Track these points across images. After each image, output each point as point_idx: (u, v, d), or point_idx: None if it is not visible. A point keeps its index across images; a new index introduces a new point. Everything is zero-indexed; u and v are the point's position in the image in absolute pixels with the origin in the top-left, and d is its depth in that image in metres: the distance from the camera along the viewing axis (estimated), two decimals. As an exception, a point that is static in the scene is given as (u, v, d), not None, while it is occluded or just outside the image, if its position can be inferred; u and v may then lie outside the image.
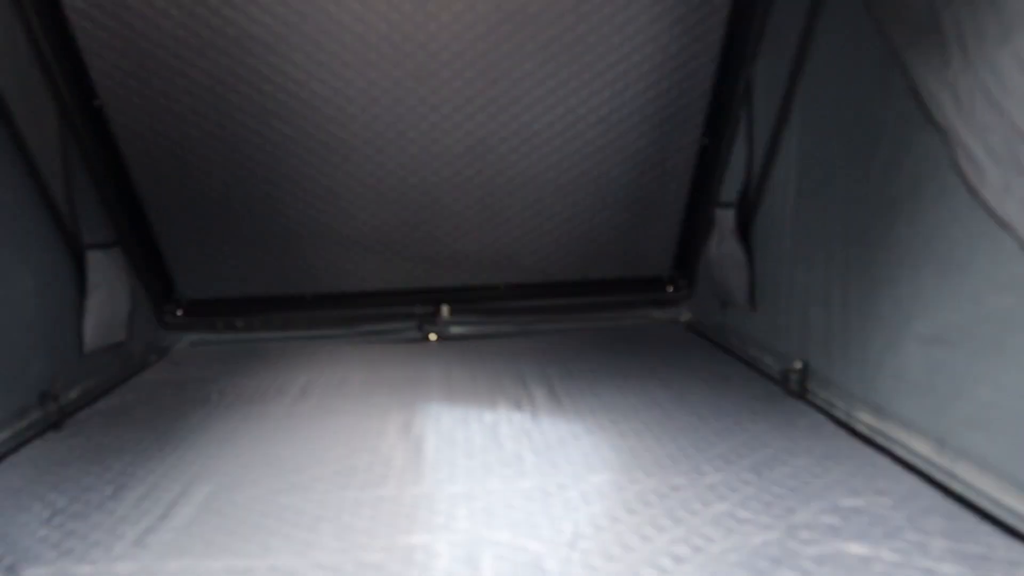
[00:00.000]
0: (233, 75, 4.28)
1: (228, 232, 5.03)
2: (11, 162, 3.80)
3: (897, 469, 3.01)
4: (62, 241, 4.21)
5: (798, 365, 3.89)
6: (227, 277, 5.31)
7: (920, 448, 3.00)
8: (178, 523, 2.81)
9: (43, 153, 4.02)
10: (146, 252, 5.09)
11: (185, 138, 4.52)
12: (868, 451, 3.19)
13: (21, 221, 3.88)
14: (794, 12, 3.80)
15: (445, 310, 5.44)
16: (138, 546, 2.65)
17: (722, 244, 4.79)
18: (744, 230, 4.56)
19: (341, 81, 4.35)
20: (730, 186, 4.73)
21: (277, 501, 2.96)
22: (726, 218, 4.69)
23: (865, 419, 3.36)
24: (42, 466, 3.41)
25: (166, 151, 4.59)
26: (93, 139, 4.46)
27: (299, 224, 5.00)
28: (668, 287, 5.66)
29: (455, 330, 5.48)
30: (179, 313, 5.45)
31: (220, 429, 3.77)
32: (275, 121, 4.48)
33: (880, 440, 3.24)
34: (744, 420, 3.61)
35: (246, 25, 4.09)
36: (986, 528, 2.54)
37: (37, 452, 3.59)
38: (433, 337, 5.42)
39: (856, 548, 2.45)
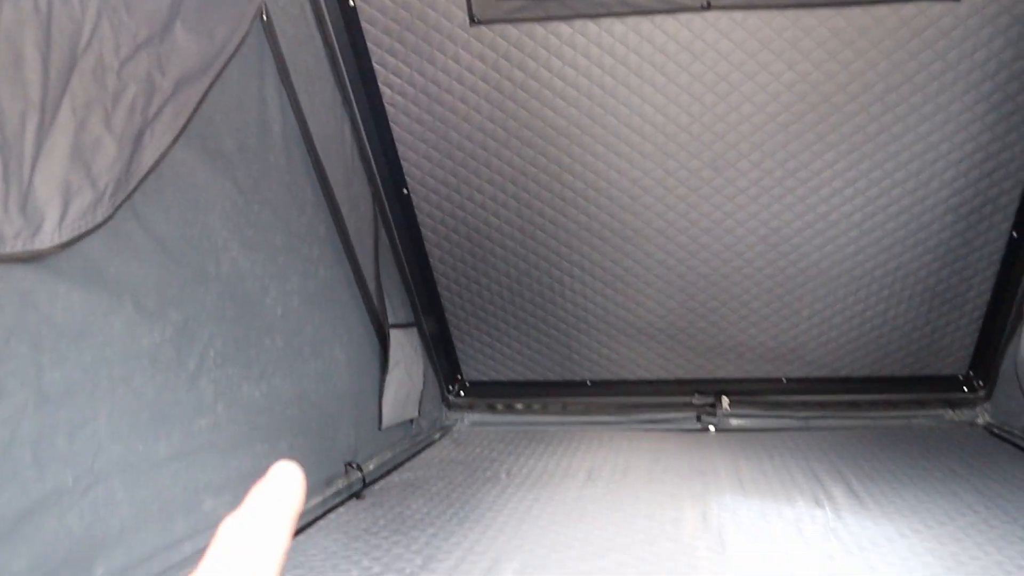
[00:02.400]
0: (535, 165, 4.45)
1: (514, 316, 5.18)
2: (332, 243, 4.08)
3: None
4: (369, 319, 4.46)
5: None
6: (509, 360, 5.44)
7: None
8: (492, 597, 2.86)
9: (358, 236, 4.30)
10: (436, 334, 5.30)
11: (484, 225, 4.72)
12: None
13: (338, 298, 4.15)
14: None
15: (726, 402, 5.32)
16: (458, 617, 2.72)
17: (1034, 343, 4.47)
18: (1062, 328, 4.24)
19: (639, 171, 4.43)
20: (1043, 280, 4.43)
21: (586, 583, 2.97)
22: (1041, 314, 4.39)
23: None
24: (351, 533, 3.56)
25: (464, 236, 4.80)
26: (399, 225, 4.73)
27: (585, 311, 5.07)
28: (963, 387, 5.32)
29: (735, 423, 5.35)
30: (462, 394, 5.64)
31: (515, 508, 3.82)
32: (571, 210, 4.61)
33: None
34: (1076, 534, 3.30)
35: (552, 118, 4.26)
36: None
37: (343, 519, 3.76)
38: (712, 429, 5.32)
39: None
